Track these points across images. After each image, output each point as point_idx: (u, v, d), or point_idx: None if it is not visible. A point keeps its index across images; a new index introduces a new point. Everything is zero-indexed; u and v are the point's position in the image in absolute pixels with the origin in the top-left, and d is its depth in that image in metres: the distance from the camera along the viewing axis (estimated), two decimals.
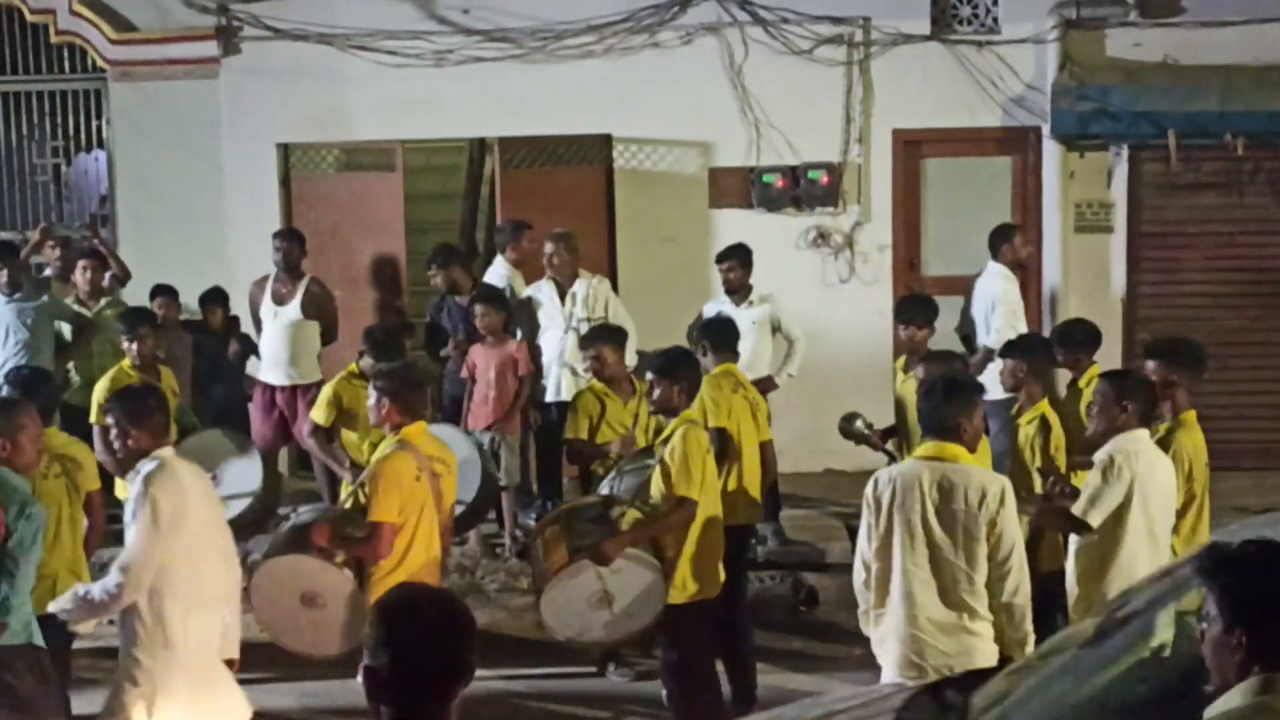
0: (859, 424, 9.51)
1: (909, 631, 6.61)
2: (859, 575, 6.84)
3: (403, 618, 3.68)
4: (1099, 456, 7.35)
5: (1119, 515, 7.21)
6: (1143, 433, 7.40)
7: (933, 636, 6.59)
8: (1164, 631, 5.57)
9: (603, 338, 9.47)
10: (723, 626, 8.52)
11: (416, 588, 4.27)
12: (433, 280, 11.85)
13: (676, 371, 7.92)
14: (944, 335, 10.17)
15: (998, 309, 10.97)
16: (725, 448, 8.68)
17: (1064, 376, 9.60)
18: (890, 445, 9.54)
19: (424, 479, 7.79)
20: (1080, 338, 9.32)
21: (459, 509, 8.77)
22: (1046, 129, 12.82)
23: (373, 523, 7.68)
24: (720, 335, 9.30)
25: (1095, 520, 7.21)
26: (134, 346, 9.59)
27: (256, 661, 9.12)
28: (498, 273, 11.64)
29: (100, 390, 9.50)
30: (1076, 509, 7.25)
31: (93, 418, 9.42)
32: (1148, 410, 7.48)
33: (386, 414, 7.88)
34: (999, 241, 11.34)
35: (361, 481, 8.01)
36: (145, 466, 6.69)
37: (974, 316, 11.22)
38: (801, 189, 13.00)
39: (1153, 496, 7.26)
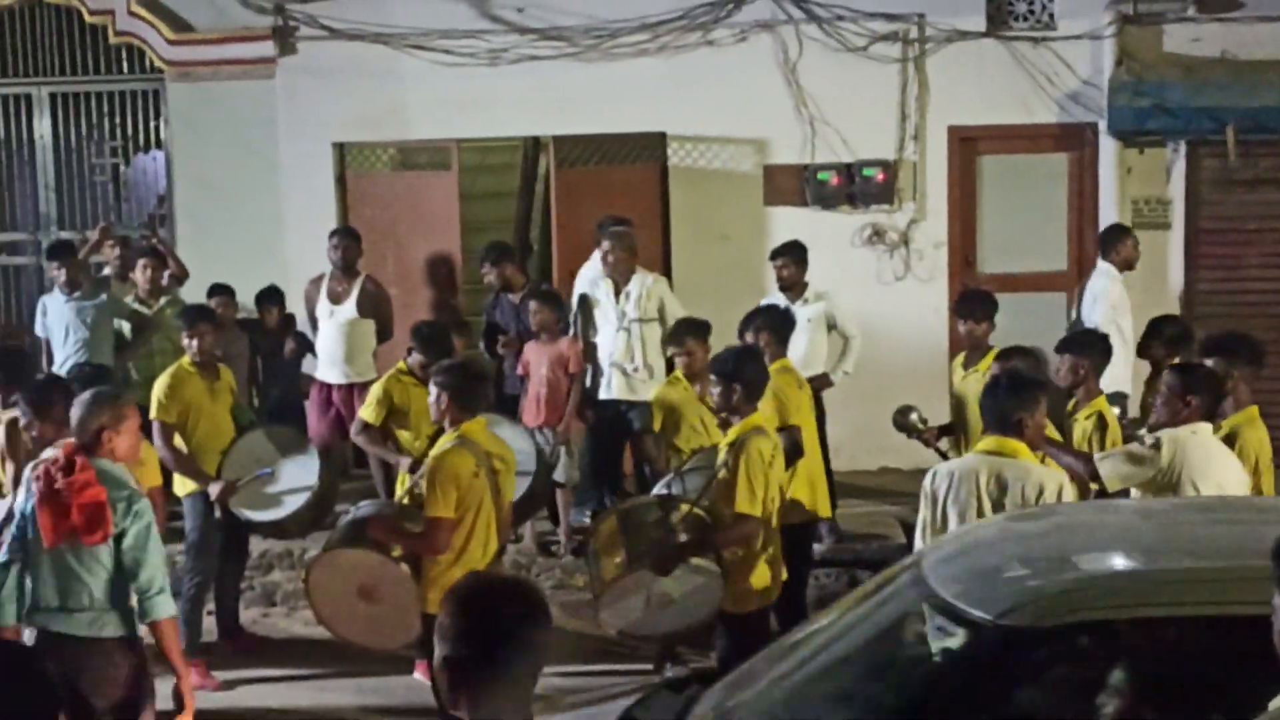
0: (914, 417, 9.44)
1: None
2: None
3: (484, 606, 3.62)
4: (1155, 437, 7.30)
5: None
6: (1204, 426, 7.31)
7: None
8: (899, 621, 5.60)
9: (690, 332, 9.42)
10: (784, 624, 8.49)
11: (490, 576, 4.22)
12: (485, 278, 11.88)
13: (739, 372, 7.79)
14: (1005, 331, 10.08)
15: (1098, 305, 10.88)
16: (797, 447, 8.63)
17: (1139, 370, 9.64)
18: (946, 443, 9.49)
19: (483, 475, 7.79)
20: (1176, 334, 9.33)
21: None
22: (1103, 125, 12.74)
23: (430, 518, 7.69)
24: (783, 328, 9.23)
25: (1106, 471, 7.16)
26: (194, 343, 9.62)
27: (312, 658, 9.21)
28: (596, 268, 11.65)
29: (160, 388, 9.55)
30: (1098, 456, 7.25)
31: (152, 414, 9.47)
32: (1212, 405, 7.42)
33: (446, 409, 7.88)
34: (1112, 241, 11.22)
35: (419, 477, 8.04)
36: (45, 454, 6.89)
37: (1081, 314, 11.16)
38: (856, 186, 12.95)
39: (1207, 491, 7.12)
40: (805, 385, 9.28)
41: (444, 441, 7.86)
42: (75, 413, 6.96)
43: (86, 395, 7.06)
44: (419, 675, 9.03)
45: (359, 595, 7.87)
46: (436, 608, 7.60)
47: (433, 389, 7.95)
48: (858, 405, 11.87)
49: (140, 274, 11.61)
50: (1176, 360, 9.01)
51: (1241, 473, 7.36)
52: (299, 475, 9.58)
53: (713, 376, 7.90)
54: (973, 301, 9.98)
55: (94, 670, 6.65)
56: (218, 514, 9.55)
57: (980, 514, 6.60)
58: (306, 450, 9.82)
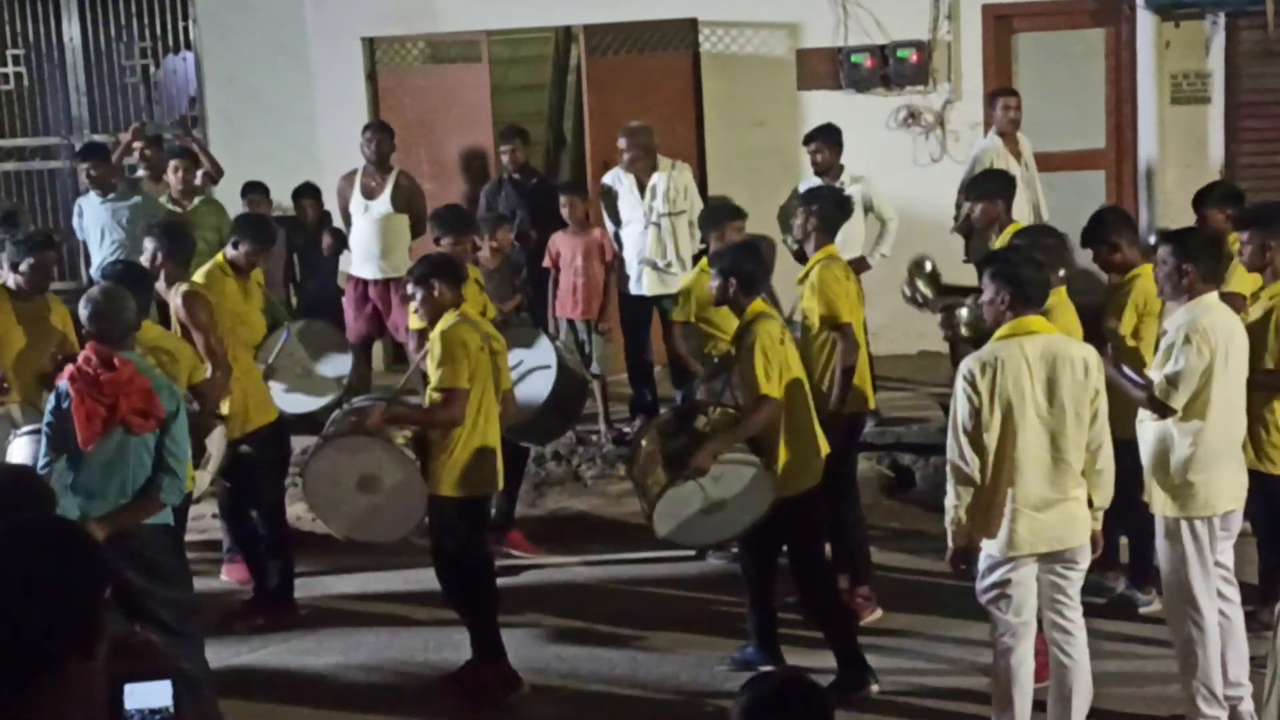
0: (929, 265, 9.22)
1: (1021, 511, 6.49)
2: (957, 457, 6.55)
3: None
4: (1174, 328, 6.98)
5: (1202, 393, 6.91)
6: (1212, 297, 7.04)
7: (1043, 512, 6.51)
8: None
9: (730, 217, 9.32)
10: (832, 513, 8.49)
11: (31, 518, 3.64)
12: (510, 156, 11.70)
13: (733, 267, 7.73)
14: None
15: None
16: (849, 345, 8.46)
17: None
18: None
19: (486, 351, 7.79)
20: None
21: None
22: None
23: (444, 390, 7.62)
24: (835, 215, 8.85)
25: (1179, 402, 6.89)
26: (243, 251, 9.56)
27: (356, 552, 9.26)
28: (989, 142, 11.50)
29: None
30: (1158, 390, 6.92)
31: None
32: (1213, 266, 7.13)
33: (439, 296, 7.79)
34: None
35: (422, 356, 8.01)
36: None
37: None
38: (891, 68, 12.82)
39: (1232, 364, 6.98)
40: (852, 275, 8.93)
41: (446, 319, 7.78)
42: (92, 310, 7.03)
43: (102, 293, 7.14)
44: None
45: (359, 487, 7.82)
46: (449, 490, 7.68)
47: (413, 288, 7.88)
48: (896, 289, 11.79)
49: (173, 174, 11.59)
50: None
51: (1246, 341, 7.14)
52: (332, 368, 9.58)
53: (712, 271, 7.88)
54: (980, 180, 9.76)
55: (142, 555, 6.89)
56: None
57: (1033, 397, 6.42)
58: (339, 343, 9.82)
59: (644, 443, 8.20)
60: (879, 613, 8.72)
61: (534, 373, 9.08)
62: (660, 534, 7.83)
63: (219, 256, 9.65)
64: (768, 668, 8.05)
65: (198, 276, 9.60)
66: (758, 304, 7.75)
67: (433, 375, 7.70)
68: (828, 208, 8.85)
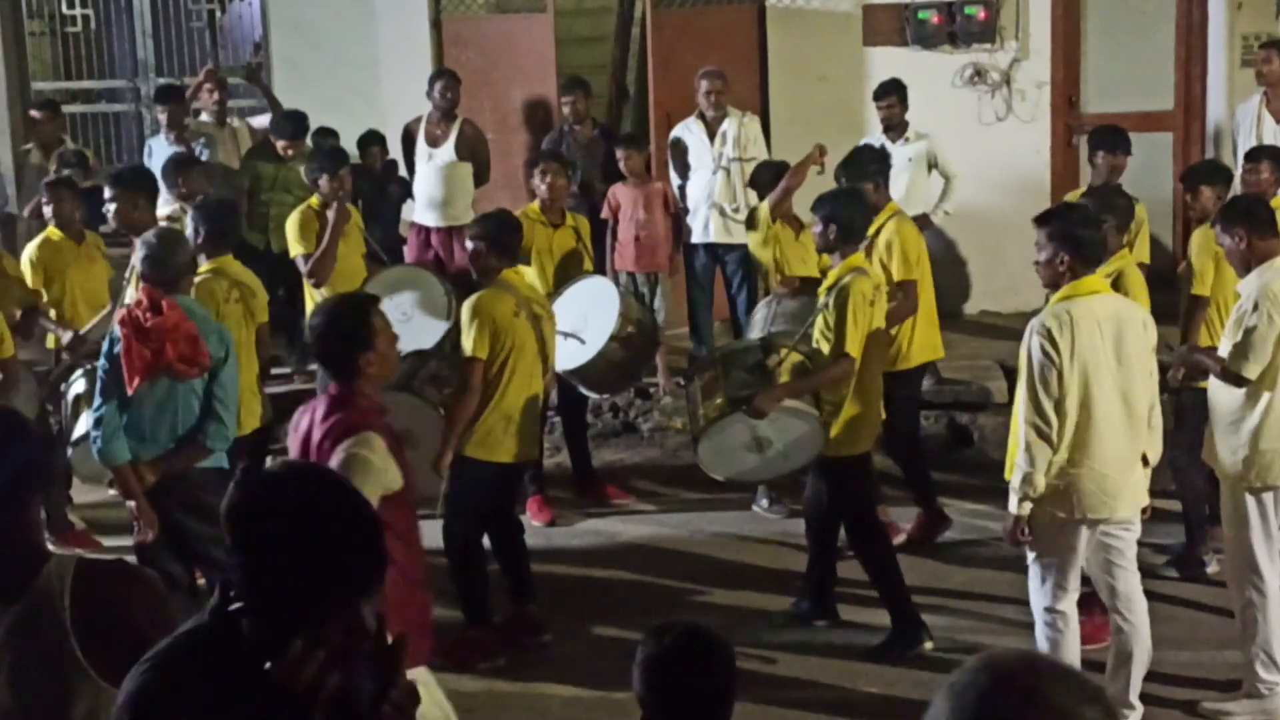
0: None
1: (1101, 472, 6.45)
2: (1036, 417, 6.43)
3: (262, 509, 2.91)
4: (1246, 295, 6.94)
5: (1274, 361, 6.87)
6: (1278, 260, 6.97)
7: (1122, 474, 6.48)
8: None
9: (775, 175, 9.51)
10: (906, 465, 8.55)
11: (294, 466, 3.56)
12: (571, 107, 11.66)
13: (835, 211, 7.71)
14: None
15: None
16: (910, 300, 8.61)
17: None
18: None
19: (524, 316, 7.78)
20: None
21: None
22: None
23: (465, 358, 7.68)
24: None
25: (1252, 371, 6.85)
26: (331, 186, 9.52)
27: None
28: (1248, 102, 11.31)
29: (292, 229, 9.46)
30: (1230, 360, 6.89)
31: (294, 251, 9.41)
32: (1266, 225, 6.99)
33: (484, 259, 7.85)
34: None
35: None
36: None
37: None
38: (958, 25, 12.68)
39: None
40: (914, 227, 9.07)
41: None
42: (146, 252, 7.07)
43: (157, 236, 7.19)
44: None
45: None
46: (474, 452, 7.69)
47: (470, 242, 7.96)
48: (957, 247, 11.76)
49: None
50: None
51: None
52: (432, 308, 9.51)
53: (814, 217, 7.83)
54: (1114, 133, 9.67)
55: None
56: None
57: (1106, 357, 6.37)
58: (432, 285, 9.71)
59: (709, 368, 8.23)
60: (903, 536, 8.95)
61: (594, 324, 9.08)
62: (699, 455, 7.96)
63: (312, 199, 9.63)
64: (821, 622, 8.11)
65: (293, 219, 9.55)
66: (857, 257, 7.75)
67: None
68: (885, 165, 9.04)
